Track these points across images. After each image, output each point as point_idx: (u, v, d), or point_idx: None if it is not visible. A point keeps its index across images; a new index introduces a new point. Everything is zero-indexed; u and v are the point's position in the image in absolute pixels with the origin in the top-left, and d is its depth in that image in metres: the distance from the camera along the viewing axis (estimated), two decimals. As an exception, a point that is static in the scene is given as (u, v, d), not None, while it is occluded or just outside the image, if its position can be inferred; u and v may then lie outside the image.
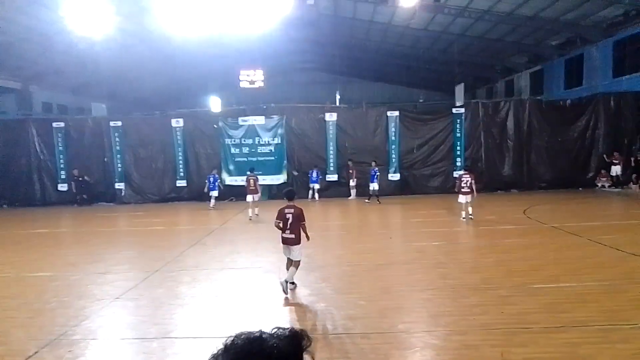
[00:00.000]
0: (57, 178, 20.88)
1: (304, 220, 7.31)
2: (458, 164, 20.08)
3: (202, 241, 11.61)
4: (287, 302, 6.85)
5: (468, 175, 13.34)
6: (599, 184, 19.57)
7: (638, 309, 6.04)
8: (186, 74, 35.82)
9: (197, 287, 7.77)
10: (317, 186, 19.79)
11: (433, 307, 6.39)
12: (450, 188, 19.72)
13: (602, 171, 19.53)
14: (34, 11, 20.38)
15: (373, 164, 18.67)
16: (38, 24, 21.62)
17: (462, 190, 13.20)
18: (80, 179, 20.34)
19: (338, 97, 30.70)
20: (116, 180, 20.70)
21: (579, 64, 24.02)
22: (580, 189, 19.45)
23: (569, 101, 20.50)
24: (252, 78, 34.99)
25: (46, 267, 9.47)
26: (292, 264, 7.36)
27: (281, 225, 7.31)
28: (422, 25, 26.16)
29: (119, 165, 20.57)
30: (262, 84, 35.38)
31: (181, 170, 20.50)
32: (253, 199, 15.19)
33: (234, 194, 20.38)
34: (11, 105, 27.40)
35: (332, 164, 20.27)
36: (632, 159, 19.18)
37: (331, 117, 20.27)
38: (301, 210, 7.35)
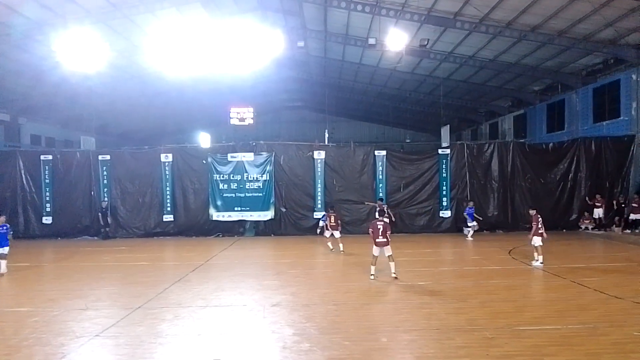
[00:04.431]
0: (42, 211, 20.57)
1: (389, 231, 10.76)
2: (444, 203, 20.31)
3: (186, 278, 11.45)
4: (270, 342, 6.76)
5: (539, 216, 12.40)
6: (582, 226, 19.80)
7: (621, 353, 6.09)
8: (176, 109, 36.17)
9: (179, 325, 7.63)
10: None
11: (417, 349, 6.36)
12: (436, 227, 20.06)
13: (585, 213, 19.79)
14: (27, 46, 20.59)
15: (471, 203, 18.98)
16: (31, 58, 21.80)
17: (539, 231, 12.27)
18: (105, 210, 20.05)
19: (327, 135, 31.09)
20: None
21: (560, 109, 24.79)
22: (564, 230, 19.68)
23: (551, 144, 21.03)
24: (242, 115, 35.52)
25: (25, 302, 9.24)
26: (387, 259, 10.69)
27: (374, 233, 10.61)
28: (409, 69, 26.98)
29: (105, 199, 20.38)
30: (252, 121, 35.89)
31: (168, 205, 20.39)
32: (333, 235, 15.20)
33: (221, 230, 20.34)
34: (-2, 137, 27.26)
35: (319, 202, 20.32)
36: (614, 201, 19.53)
37: (319, 155, 20.50)
38: (388, 223, 10.99)
